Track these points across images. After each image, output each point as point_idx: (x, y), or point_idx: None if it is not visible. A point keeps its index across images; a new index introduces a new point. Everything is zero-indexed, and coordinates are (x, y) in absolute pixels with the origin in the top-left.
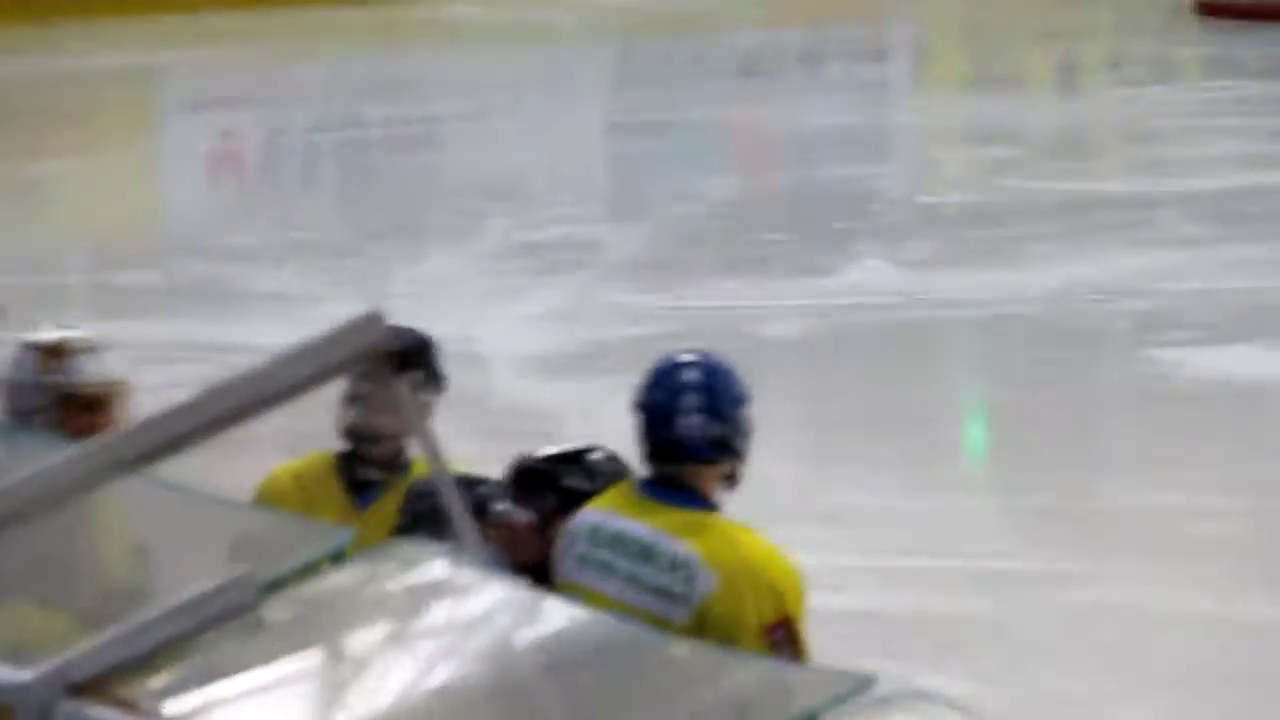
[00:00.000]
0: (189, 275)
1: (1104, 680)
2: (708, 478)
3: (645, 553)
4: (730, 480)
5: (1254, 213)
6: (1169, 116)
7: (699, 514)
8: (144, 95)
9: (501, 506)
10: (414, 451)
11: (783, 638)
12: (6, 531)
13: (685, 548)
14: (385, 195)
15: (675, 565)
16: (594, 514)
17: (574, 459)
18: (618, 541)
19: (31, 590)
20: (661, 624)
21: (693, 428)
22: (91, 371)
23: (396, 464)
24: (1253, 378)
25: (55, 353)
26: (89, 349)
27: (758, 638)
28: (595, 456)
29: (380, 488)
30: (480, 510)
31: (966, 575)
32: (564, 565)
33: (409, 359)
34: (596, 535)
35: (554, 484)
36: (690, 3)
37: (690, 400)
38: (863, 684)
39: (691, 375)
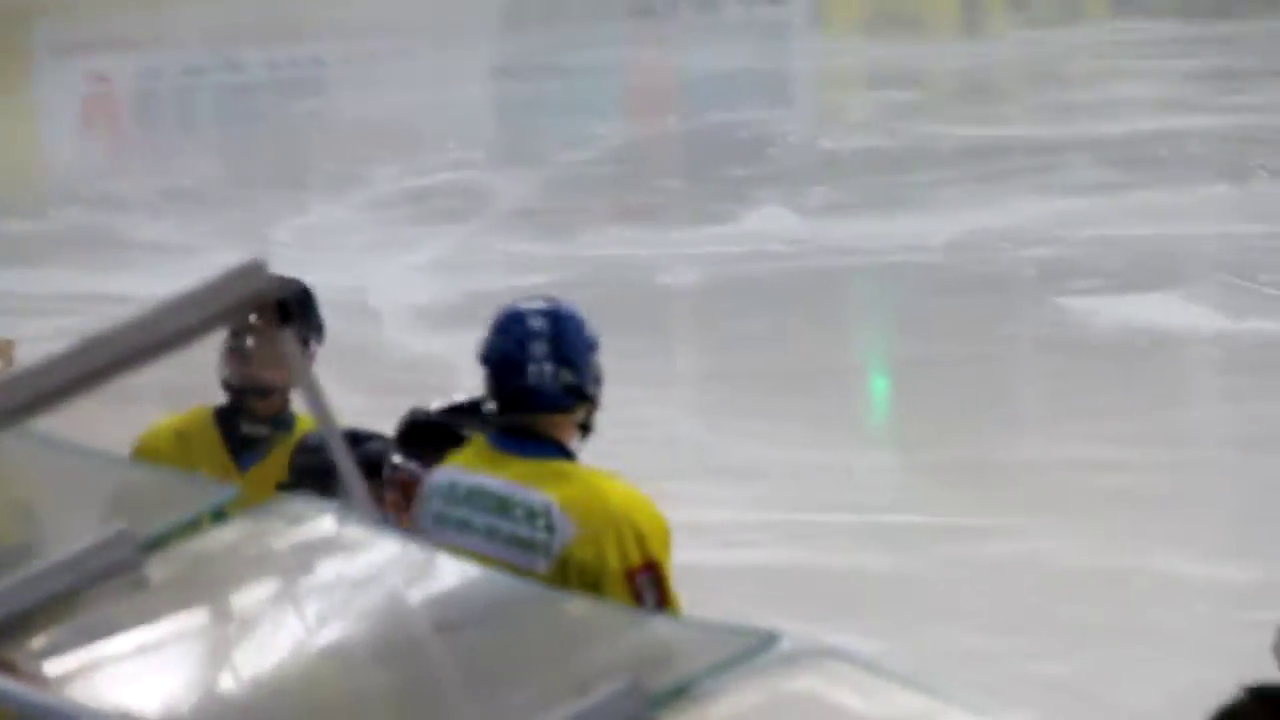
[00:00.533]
0: (66, 224)
1: (1013, 636)
2: (562, 426)
3: (501, 504)
4: (584, 429)
5: (1162, 157)
6: (1075, 59)
7: (555, 462)
8: (16, 39)
9: (397, 459)
10: (298, 408)
11: (647, 581)
12: None
13: (541, 496)
14: (267, 142)
15: (532, 515)
16: (450, 471)
17: (468, 410)
18: (473, 496)
19: None
20: (525, 575)
21: (543, 376)
22: None
23: (280, 420)
24: (1162, 326)
25: None
26: None
27: (621, 583)
28: (489, 407)
29: (263, 446)
30: (370, 466)
31: (871, 531)
32: (421, 524)
33: (292, 309)
34: (453, 492)
35: (449, 437)
36: None
37: (539, 348)
38: (766, 641)
39: (538, 323)
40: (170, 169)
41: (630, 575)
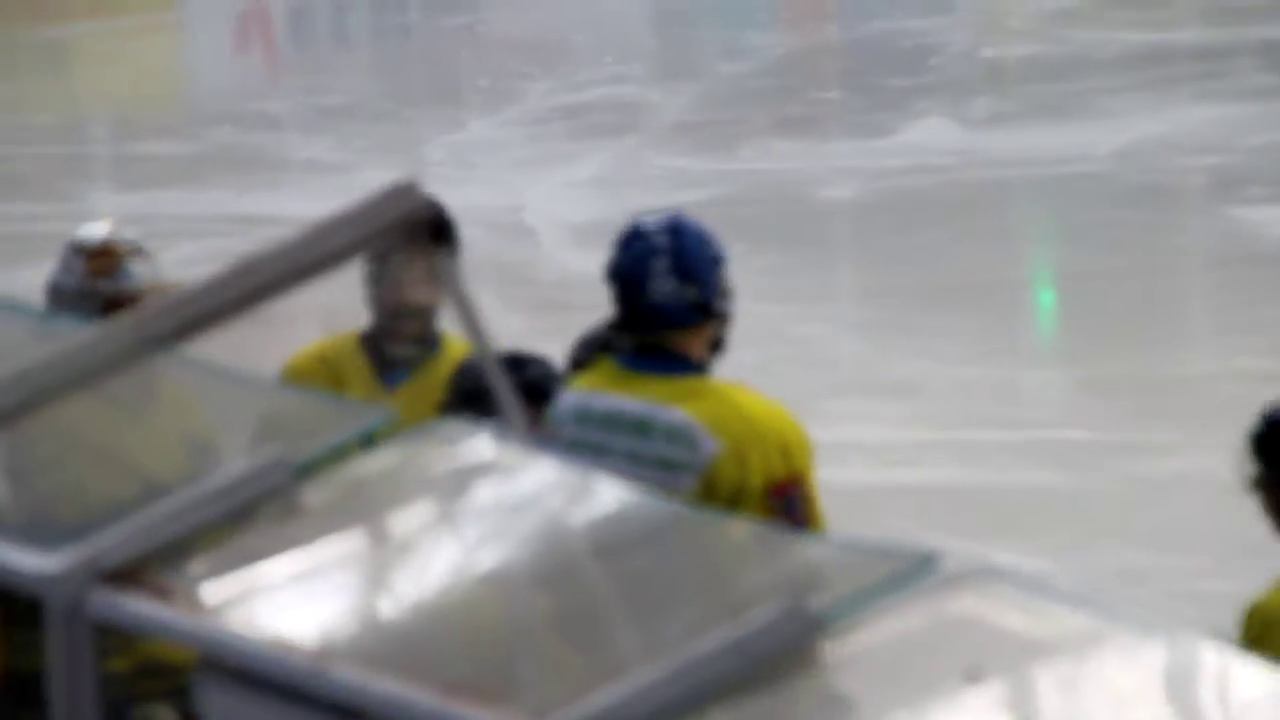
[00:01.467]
0: (219, 144)
1: (1179, 554)
2: (691, 342)
3: (641, 426)
4: (716, 345)
5: None
6: None
7: (691, 380)
8: None
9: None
10: (447, 326)
11: (796, 495)
12: (42, 410)
13: (681, 414)
14: (420, 59)
15: (674, 434)
16: (577, 395)
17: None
18: (609, 419)
19: (70, 474)
20: (670, 496)
21: (667, 293)
22: (139, 276)
23: (426, 339)
24: None
25: (102, 256)
26: (136, 251)
27: (765, 499)
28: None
29: (409, 366)
30: (531, 391)
31: (1036, 448)
32: (550, 451)
33: (445, 230)
34: (586, 417)
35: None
36: None
37: (661, 264)
38: (926, 562)
39: (660, 239)
40: (323, 86)
41: (777, 489)
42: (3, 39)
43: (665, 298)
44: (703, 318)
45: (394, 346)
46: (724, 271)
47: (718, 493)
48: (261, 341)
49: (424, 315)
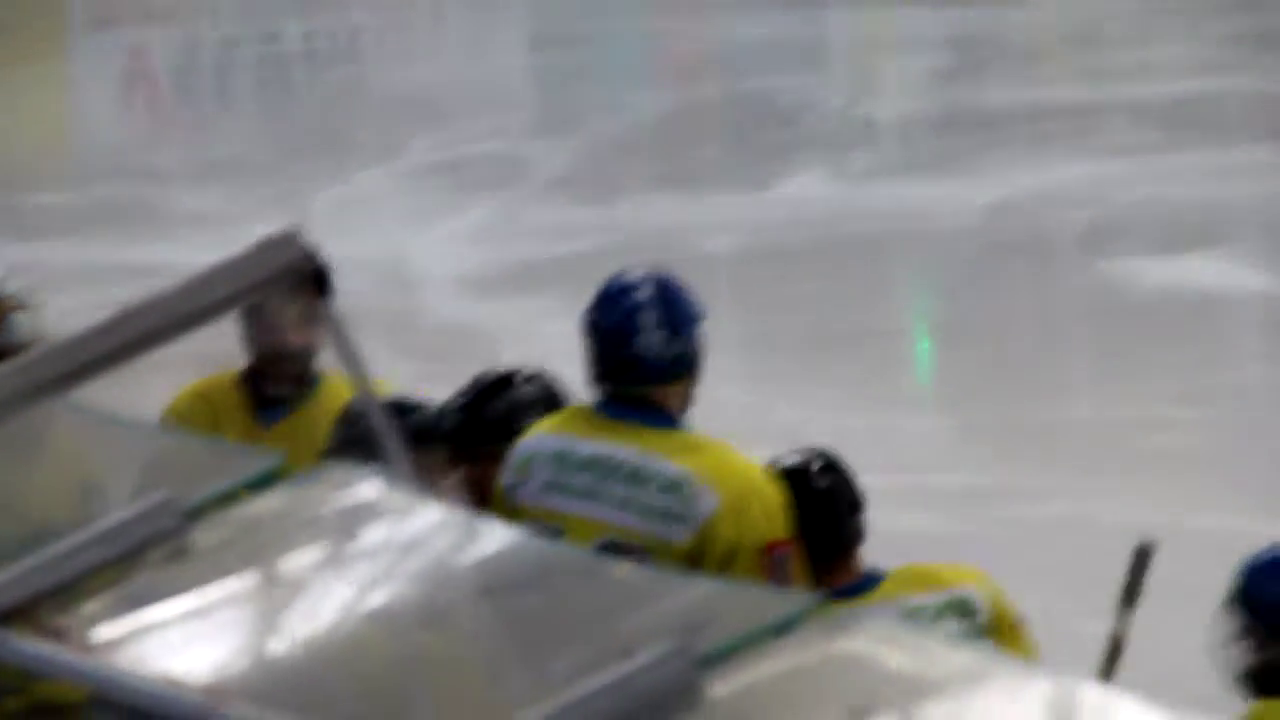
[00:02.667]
0: (106, 196)
1: (1059, 597)
2: (670, 396)
3: (634, 474)
4: (686, 399)
5: (1203, 119)
6: (1114, 20)
7: (682, 433)
8: (51, 12)
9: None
10: (324, 366)
11: (786, 556)
12: None
13: (677, 467)
14: (305, 111)
15: (670, 485)
16: (552, 438)
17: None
18: (596, 464)
19: None
20: (661, 546)
21: (653, 346)
22: (21, 329)
23: (304, 380)
24: (1204, 287)
25: None
26: (21, 305)
27: (756, 558)
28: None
29: (286, 405)
30: (416, 436)
31: (917, 492)
32: (524, 492)
33: (328, 278)
34: (567, 459)
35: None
36: None
37: (649, 317)
38: (813, 604)
39: (648, 292)
40: (209, 140)
41: (769, 549)
42: None
43: (652, 351)
44: (685, 372)
45: (273, 386)
46: (702, 329)
47: (713, 548)
48: (142, 385)
49: (301, 358)
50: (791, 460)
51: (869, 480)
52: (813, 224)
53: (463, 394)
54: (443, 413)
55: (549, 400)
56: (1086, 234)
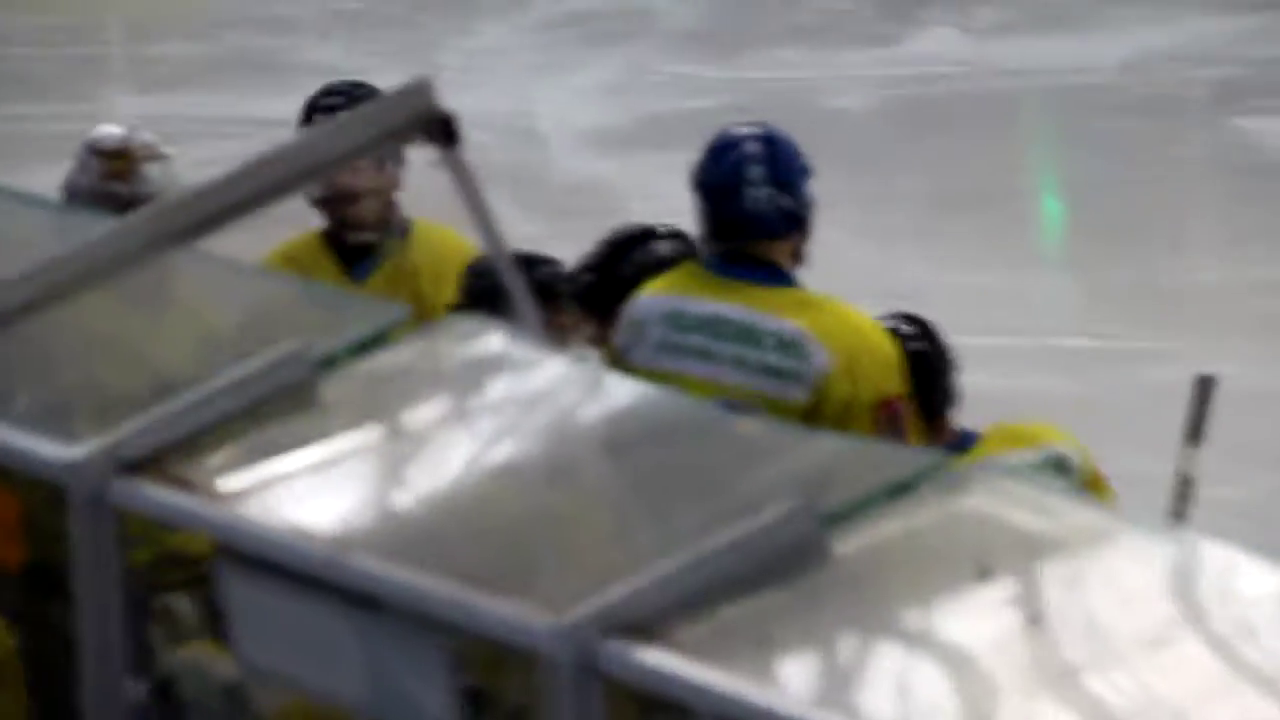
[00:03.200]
0: (232, 47)
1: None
2: (780, 252)
3: (746, 333)
4: (797, 256)
5: None
6: None
7: (794, 290)
8: None
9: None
10: (407, 213)
11: (901, 411)
12: (57, 306)
13: (792, 324)
14: None
15: (784, 343)
16: (664, 298)
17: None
18: (709, 324)
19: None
20: (777, 404)
21: (760, 200)
22: (154, 179)
23: (387, 227)
24: None
25: (118, 158)
26: (153, 155)
27: (870, 414)
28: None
29: (375, 255)
30: (542, 291)
31: (1044, 354)
32: (638, 353)
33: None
34: (680, 320)
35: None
36: None
37: (756, 172)
38: (936, 462)
39: (754, 148)
40: None
41: (883, 405)
42: None
43: (760, 206)
44: (794, 227)
45: (352, 234)
46: (811, 183)
47: (828, 405)
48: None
49: (362, 198)
50: (885, 325)
51: (994, 341)
52: (941, 80)
53: (599, 248)
54: (579, 267)
55: (684, 257)
56: (1219, 91)
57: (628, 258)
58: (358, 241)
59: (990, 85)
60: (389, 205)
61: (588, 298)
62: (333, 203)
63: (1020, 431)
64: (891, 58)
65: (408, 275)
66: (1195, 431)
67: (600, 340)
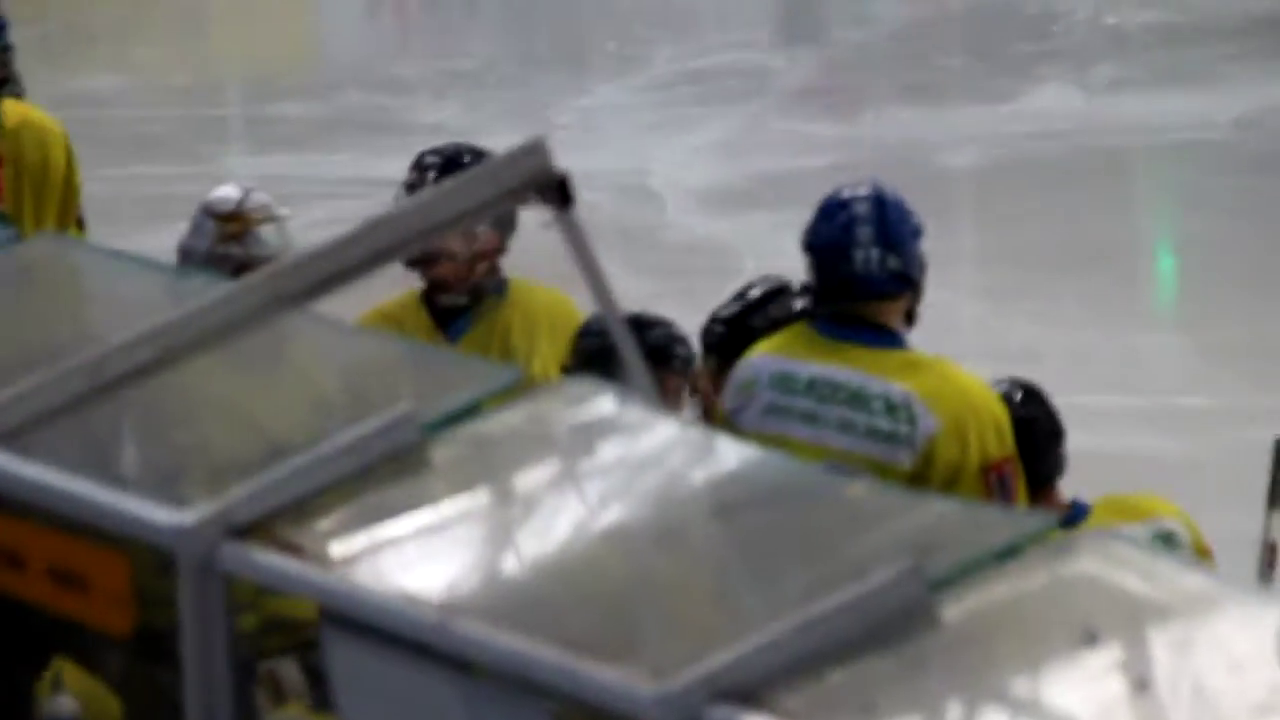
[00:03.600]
0: (349, 107)
1: None
2: (890, 313)
3: (855, 396)
4: (909, 317)
5: None
6: None
7: (902, 352)
8: None
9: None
10: (515, 271)
11: (1010, 474)
12: (174, 367)
13: (899, 387)
14: (549, 22)
15: (891, 407)
16: (773, 360)
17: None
18: (818, 386)
19: (201, 431)
20: (885, 468)
21: (871, 261)
22: (269, 242)
23: (478, 290)
24: None
25: (233, 221)
26: (268, 217)
27: (978, 478)
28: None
29: (469, 317)
30: (654, 353)
31: (1158, 412)
32: (747, 416)
33: (571, 189)
34: (788, 382)
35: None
36: None
37: (865, 233)
38: (1046, 526)
39: (864, 208)
40: (452, 51)
41: (994, 468)
42: (142, 3)
43: (869, 267)
44: (904, 288)
45: (443, 296)
46: (921, 243)
47: (936, 469)
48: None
49: (448, 261)
50: (996, 389)
51: (1107, 399)
52: (1056, 137)
53: (733, 299)
54: (711, 317)
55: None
56: None
57: (762, 311)
58: (448, 304)
59: (1105, 142)
60: (483, 268)
61: (721, 349)
62: (421, 264)
63: (1129, 504)
64: (1007, 114)
65: (499, 335)
66: (1275, 494)
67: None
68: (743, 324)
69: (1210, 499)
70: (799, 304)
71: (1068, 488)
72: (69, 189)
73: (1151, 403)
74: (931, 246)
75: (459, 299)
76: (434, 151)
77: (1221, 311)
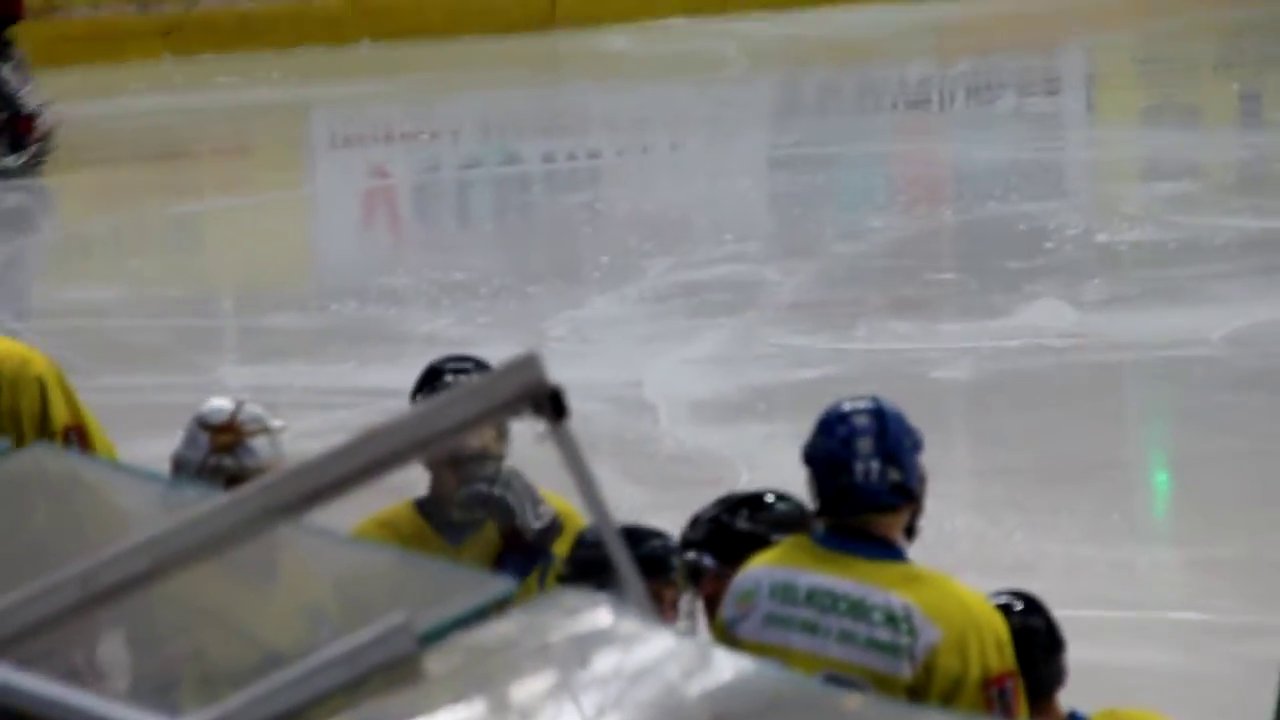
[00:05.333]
0: (342, 317)
1: None
2: (891, 526)
3: (855, 607)
4: (909, 531)
5: None
6: None
7: (903, 565)
8: (294, 131)
9: (707, 561)
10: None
11: (1010, 689)
12: (162, 580)
13: (900, 599)
14: (543, 234)
15: (892, 618)
16: (773, 570)
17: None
18: (818, 597)
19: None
20: (886, 680)
21: (871, 473)
22: (261, 453)
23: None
24: None
25: (225, 432)
26: (262, 430)
27: (979, 692)
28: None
29: (468, 524)
30: (650, 565)
31: (1153, 627)
32: (746, 626)
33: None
34: (788, 592)
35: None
36: (857, 33)
37: (866, 445)
38: None
39: (864, 421)
40: (447, 262)
41: (992, 682)
42: (137, 215)
43: (870, 481)
44: (904, 501)
45: (454, 505)
46: (921, 457)
47: (936, 681)
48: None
49: (483, 461)
50: (995, 601)
51: (1102, 613)
52: (1048, 353)
53: (713, 508)
54: (693, 521)
55: (799, 521)
56: None
57: (742, 512)
58: (461, 519)
59: (1097, 358)
60: (492, 469)
61: (700, 545)
62: (463, 464)
63: (1128, 718)
64: (999, 329)
65: (491, 542)
66: None
67: (707, 599)
68: (723, 526)
69: (1207, 715)
70: (781, 507)
71: (1067, 698)
72: (45, 434)
73: (1146, 617)
74: (924, 459)
75: (475, 514)
76: (451, 360)
77: (1216, 527)
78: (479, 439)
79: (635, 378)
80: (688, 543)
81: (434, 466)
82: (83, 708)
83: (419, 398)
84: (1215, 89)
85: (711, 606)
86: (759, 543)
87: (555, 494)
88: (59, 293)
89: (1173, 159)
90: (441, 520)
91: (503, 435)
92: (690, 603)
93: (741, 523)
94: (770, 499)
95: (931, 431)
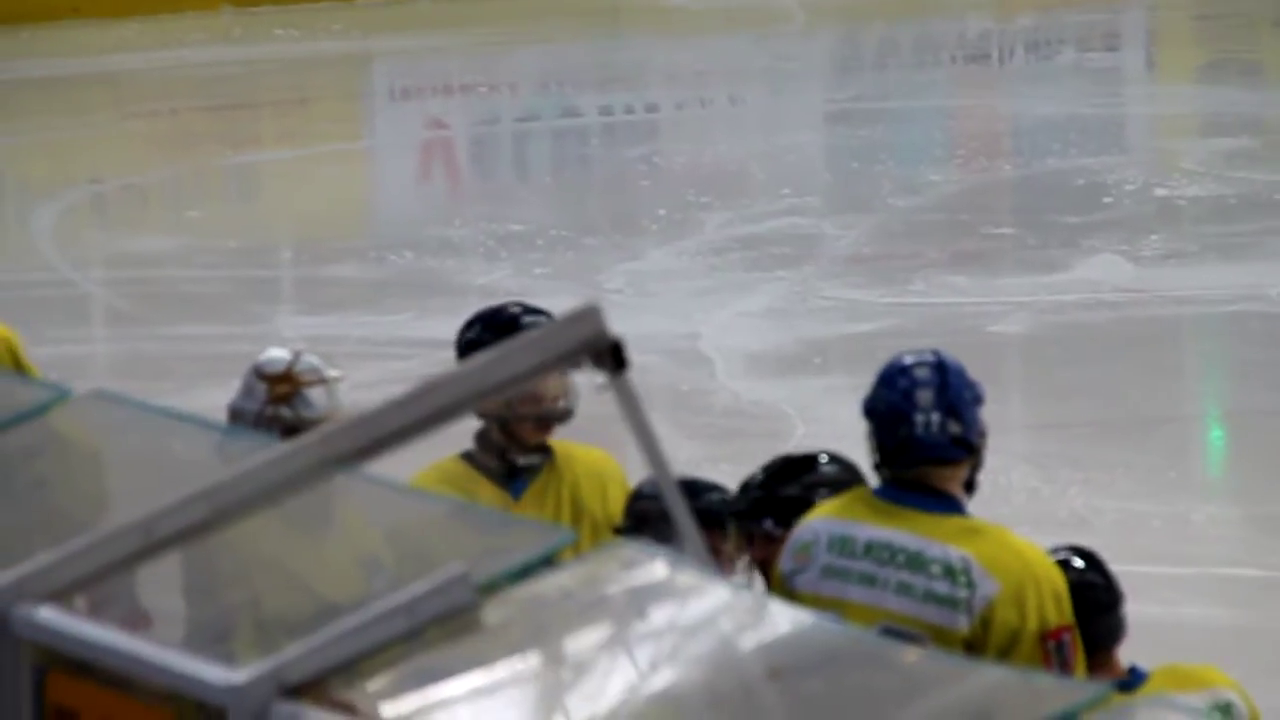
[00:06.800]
0: (400, 269)
1: None
2: (951, 480)
3: (914, 559)
4: (969, 485)
5: None
6: None
7: (962, 518)
8: (354, 83)
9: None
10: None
11: (1068, 642)
12: (225, 527)
13: (958, 552)
14: (600, 187)
15: (950, 571)
16: (831, 523)
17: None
18: (876, 550)
19: (253, 590)
20: (943, 633)
21: (932, 425)
22: (318, 404)
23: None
24: None
25: (283, 383)
26: (319, 380)
27: (1036, 645)
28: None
29: (528, 473)
30: (706, 517)
31: (1209, 583)
32: (804, 578)
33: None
34: (847, 545)
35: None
36: None
37: (927, 398)
38: (1102, 695)
39: (925, 374)
40: (504, 214)
41: (1049, 635)
42: (196, 166)
43: (930, 433)
44: (965, 455)
45: (521, 456)
46: (982, 410)
47: (994, 634)
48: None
49: (552, 403)
50: (1054, 556)
51: (1158, 570)
52: (1106, 307)
53: (763, 469)
54: (743, 488)
55: (847, 484)
56: None
57: (795, 479)
58: (527, 464)
59: (1155, 312)
60: (561, 416)
61: (749, 517)
62: (546, 420)
63: (1188, 673)
64: (1056, 284)
65: (555, 493)
66: None
67: (760, 563)
68: (773, 491)
69: (1261, 670)
70: (830, 470)
71: (1123, 655)
72: None
73: (1202, 573)
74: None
75: (535, 459)
76: (493, 311)
77: (1273, 483)
78: (555, 390)
79: (692, 330)
80: (737, 512)
81: (496, 417)
82: (140, 654)
83: (470, 342)
84: (1275, 45)
85: (765, 570)
86: (808, 506)
87: (597, 447)
88: (117, 243)
89: (1232, 114)
90: (501, 470)
91: (569, 388)
92: (748, 562)
93: (791, 489)
94: (823, 459)
95: (988, 385)
